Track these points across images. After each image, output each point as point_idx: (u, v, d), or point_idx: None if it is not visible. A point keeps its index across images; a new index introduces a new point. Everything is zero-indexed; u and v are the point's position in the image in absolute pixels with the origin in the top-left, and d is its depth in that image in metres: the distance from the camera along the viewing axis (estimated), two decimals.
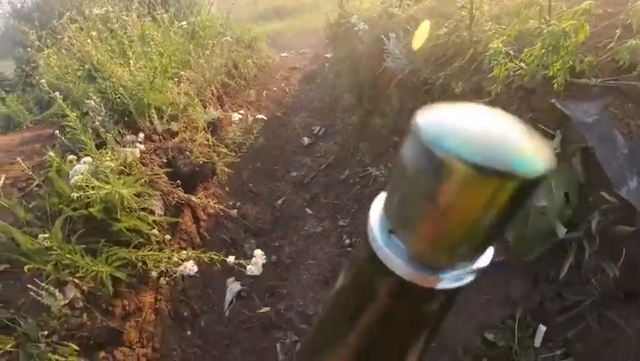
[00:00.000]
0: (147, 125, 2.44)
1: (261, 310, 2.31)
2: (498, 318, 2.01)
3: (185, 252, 1.67)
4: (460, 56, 2.46)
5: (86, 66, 2.72)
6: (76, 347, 1.52)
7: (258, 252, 1.53)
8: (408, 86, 2.80)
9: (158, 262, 1.68)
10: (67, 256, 1.37)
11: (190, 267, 1.63)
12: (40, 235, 1.36)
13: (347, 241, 2.67)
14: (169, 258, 1.71)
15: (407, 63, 2.58)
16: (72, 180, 1.47)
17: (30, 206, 1.68)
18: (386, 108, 3.20)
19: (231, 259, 1.51)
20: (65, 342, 1.51)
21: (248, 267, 1.51)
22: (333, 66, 5.62)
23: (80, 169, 1.50)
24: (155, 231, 1.75)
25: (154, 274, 1.71)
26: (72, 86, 2.47)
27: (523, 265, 1.96)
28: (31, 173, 1.87)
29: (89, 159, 1.58)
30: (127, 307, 1.78)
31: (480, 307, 2.07)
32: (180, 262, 1.67)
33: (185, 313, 2.10)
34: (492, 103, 2.12)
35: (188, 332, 2.10)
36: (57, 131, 1.97)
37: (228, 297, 2.28)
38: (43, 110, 2.88)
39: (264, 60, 6.18)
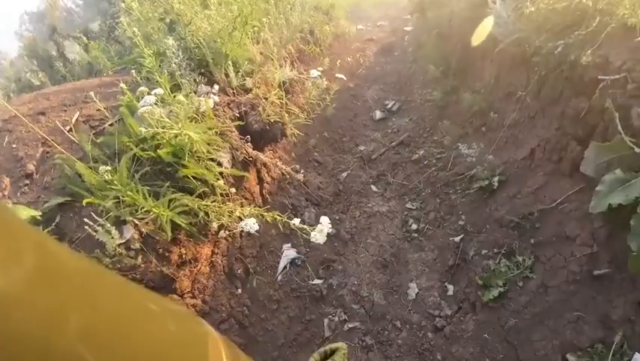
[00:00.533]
0: (222, 78, 2.38)
1: (313, 282, 2.21)
2: (587, 340, 1.70)
3: (249, 207, 1.58)
4: (582, 25, 2.03)
5: (168, 18, 2.72)
6: None
7: (324, 219, 1.39)
8: (509, 58, 2.41)
9: (221, 214, 1.62)
10: (128, 193, 1.33)
11: (251, 224, 1.54)
12: (101, 167, 1.34)
13: (413, 226, 2.44)
14: (231, 212, 1.64)
15: (514, 29, 2.20)
16: (140, 110, 1.43)
17: (98, 141, 1.69)
18: (477, 84, 2.83)
19: (296, 221, 1.39)
20: None
21: (312, 234, 1.38)
22: (414, 39, 5.22)
23: (149, 100, 1.45)
24: (220, 182, 1.68)
25: (214, 225, 1.65)
26: (152, 31, 2.47)
27: (631, 282, 1.62)
28: (105, 112, 1.89)
29: (160, 90, 1.53)
30: (183, 256, 1.77)
31: (568, 324, 1.76)
32: (242, 217, 1.59)
33: (239, 271, 2.06)
34: (623, 80, 1.71)
35: (239, 290, 2.07)
36: (133, 71, 1.96)
37: (283, 262, 2.20)
38: (123, 64, 2.98)
39: (340, 29, 5.94)
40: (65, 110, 2.02)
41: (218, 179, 1.70)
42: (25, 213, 1.11)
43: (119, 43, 3.42)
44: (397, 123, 3.45)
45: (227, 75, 2.43)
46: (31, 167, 1.76)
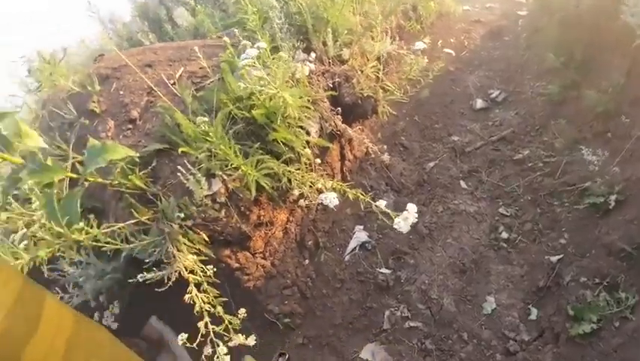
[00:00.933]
0: (320, 46, 2.38)
1: (381, 270, 2.19)
2: None
3: (331, 181, 1.59)
4: None
5: None
6: (206, 238, 1.63)
7: (412, 207, 1.34)
8: None
9: (303, 183, 1.65)
10: (221, 147, 1.41)
11: (332, 198, 1.55)
12: (199, 118, 1.42)
13: (504, 235, 2.26)
14: (313, 182, 1.66)
15: None
16: (242, 63, 1.49)
17: (198, 95, 1.79)
18: (604, 81, 2.47)
19: (381, 203, 1.36)
20: (198, 230, 1.63)
21: (396, 220, 1.34)
22: (530, 23, 4.71)
23: (251, 53, 1.50)
24: (307, 151, 1.71)
25: (295, 193, 1.70)
26: None
27: None
28: (208, 69, 2.00)
29: (262, 44, 1.57)
30: (261, 217, 1.85)
31: None
32: (325, 189, 1.60)
33: (310, 243, 2.11)
34: None
35: (307, 261, 2.13)
36: (236, 30, 2.02)
37: (353, 243, 2.21)
38: (226, 28, 3.14)
39: (444, 8, 5.59)
40: (170, 65, 2.19)
41: (304, 147, 1.73)
42: (124, 152, 1.22)
43: (223, 11, 3.60)
44: (501, 116, 3.16)
45: (324, 44, 2.42)
46: (135, 113, 1.95)
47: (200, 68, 2.08)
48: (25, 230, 1.46)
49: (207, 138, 1.43)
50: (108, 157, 1.13)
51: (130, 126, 1.90)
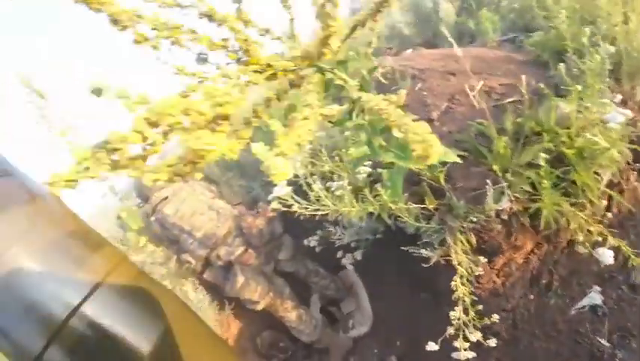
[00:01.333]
0: (627, 89, 2.28)
1: (601, 340, 2.12)
2: None
3: (619, 240, 1.64)
4: None
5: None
6: (474, 241, 1.90)
7: None
8: None
9: (587, 233, 1.74)
10: (544, 182, 1.59)
11: (608, 256, 1.61)
12: (542, 155, 1.61)
13: None
14: (590, 232, 1.73)
15: None
16: (611, 125, 1.60)
17: (518, 121, 1.98)
18: None
19: None
20: (468, 233, 1.90)
21: None
22: None
23: (618, 119, 1.60)
24: (603, 203, 1.76)
25: (580, 238, 1.79)
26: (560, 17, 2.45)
27: None
28: (522, 91, 2.15)
29: (628, 112, 1.66)
30: (517, 240, 2.02)
31: None
32: (605, 245, 1.66)
33: (543, 282, 2.19)
34: None
35: (532, 296, 2.22)
36: (562, 65, 2.11)
37: (584, 302, 2.18)
38: (501, 34, 3.21)
39: None
40: (470, 77, 2.44)
41: (599, 197, 1.78)
42: (453, 158, 1.43)
43: (493, 10, 3.61)
44: None
45: (632, 87, 2.31)
46: (434, 115, 2.28)
47: (500, 85, 2.27)
48: (343, 183, 1.96)
49: (529, 168, 1.63)
50: (441, 158, 1.38)
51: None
